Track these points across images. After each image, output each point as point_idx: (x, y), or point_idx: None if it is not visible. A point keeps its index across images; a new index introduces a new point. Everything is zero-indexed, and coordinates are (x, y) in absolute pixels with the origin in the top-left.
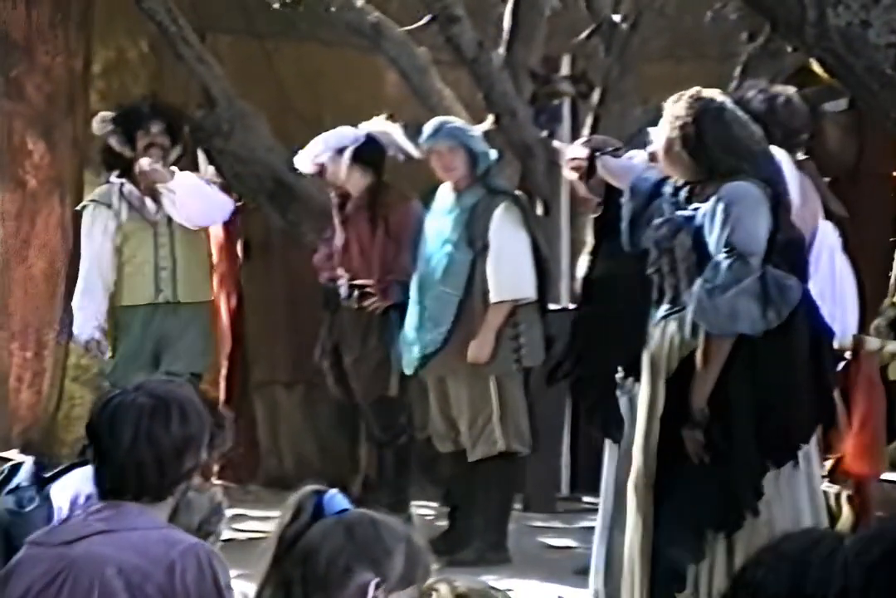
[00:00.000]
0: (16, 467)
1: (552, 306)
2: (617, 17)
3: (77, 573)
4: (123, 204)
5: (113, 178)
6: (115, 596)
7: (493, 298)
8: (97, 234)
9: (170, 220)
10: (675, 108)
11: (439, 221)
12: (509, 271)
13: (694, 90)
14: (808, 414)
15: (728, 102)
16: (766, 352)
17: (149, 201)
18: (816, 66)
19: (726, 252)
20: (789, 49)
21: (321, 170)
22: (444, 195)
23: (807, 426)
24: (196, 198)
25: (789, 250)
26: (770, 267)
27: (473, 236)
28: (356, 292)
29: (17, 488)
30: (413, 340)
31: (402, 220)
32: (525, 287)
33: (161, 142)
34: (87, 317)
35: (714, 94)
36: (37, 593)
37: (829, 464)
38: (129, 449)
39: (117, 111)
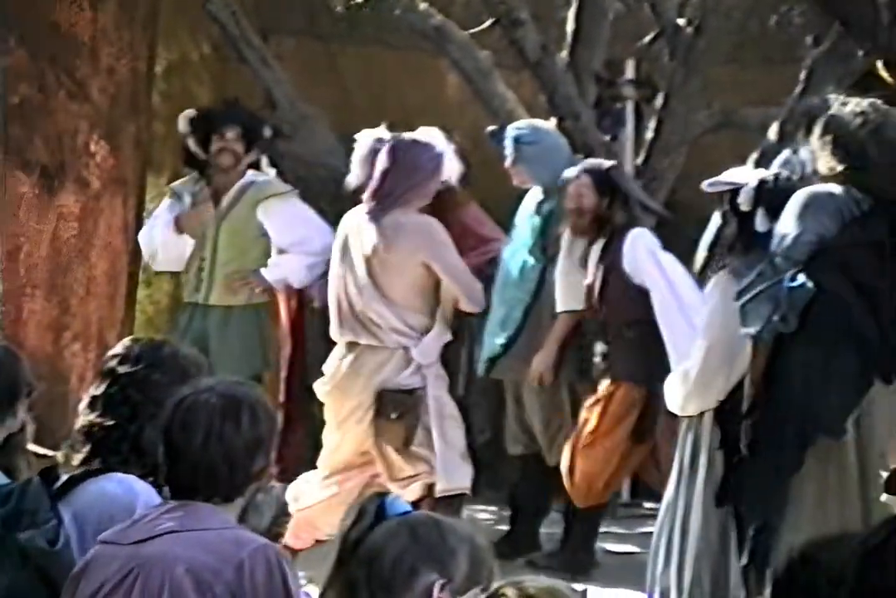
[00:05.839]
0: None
1: None
2: (682, 21)
3: (148, 571)
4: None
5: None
6: (185, 595)
7: (557, 307)
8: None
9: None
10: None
11: (521, 226)
12: (574, 282)
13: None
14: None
15: None
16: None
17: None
18: (882, 71)
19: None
20: (860, 52)
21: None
22: (529, 200)
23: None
24: None
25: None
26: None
27: (546, 244)
28: None
29: (34, 513)
30: (483, 342)
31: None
32: (585, 299)
33: (234, 147)
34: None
35: None
36: (109, 591)
37: (885, 475)
38: (201, 449)
39: (196, 113)
